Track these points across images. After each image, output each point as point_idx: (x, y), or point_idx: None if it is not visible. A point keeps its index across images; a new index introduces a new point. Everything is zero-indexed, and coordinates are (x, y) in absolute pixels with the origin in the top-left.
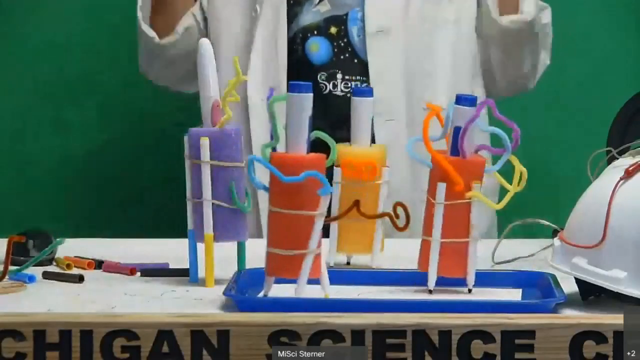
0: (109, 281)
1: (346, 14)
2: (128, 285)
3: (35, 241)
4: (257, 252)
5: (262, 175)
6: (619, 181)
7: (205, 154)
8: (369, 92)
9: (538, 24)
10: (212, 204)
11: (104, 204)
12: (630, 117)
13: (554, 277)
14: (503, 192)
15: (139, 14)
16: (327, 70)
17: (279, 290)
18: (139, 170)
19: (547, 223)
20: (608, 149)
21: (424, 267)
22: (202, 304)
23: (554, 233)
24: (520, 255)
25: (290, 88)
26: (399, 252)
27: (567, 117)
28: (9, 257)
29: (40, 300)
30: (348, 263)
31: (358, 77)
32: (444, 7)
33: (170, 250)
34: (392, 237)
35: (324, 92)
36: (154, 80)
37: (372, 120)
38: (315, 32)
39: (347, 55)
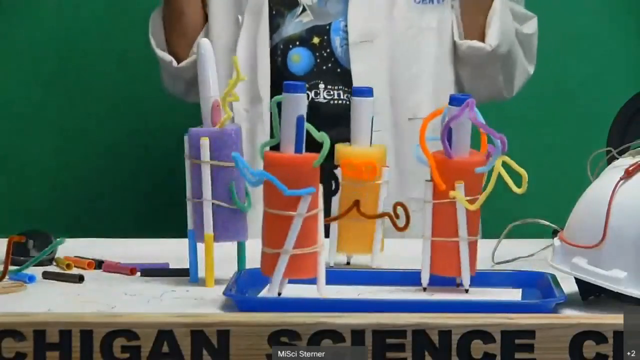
0: (109, 281)
1: (329, 24)
2: (128, 285)
3: (35, 241)
4: (257, 252)
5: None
6: (619, 181)
7: (205, 154)
8: (369, 92)
9: (503, 51)
10: (212, 204)
11: (104, 203)
12: (630, 117)
13: (554, 277)
14: (508, 193)
15: (152, 41)
16: (309, 81)
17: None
18: (140, 170)
19: (547, 223)
20: (608, 149)
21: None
22: (202, 304)
23: (554, 233)
24: (520, 255)
25: (285, 88)
26: (399, 252)
27: (567, 117)
28: (9, 257)
29: (40, 300)
30: (348, 263)
31: (341, 87)
32: (426, 15)
33: (170, 250)
34: (392, 237)
35: (310, 101)
36: (183, 98)
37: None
38: (298, 43)
39: (329, 65)
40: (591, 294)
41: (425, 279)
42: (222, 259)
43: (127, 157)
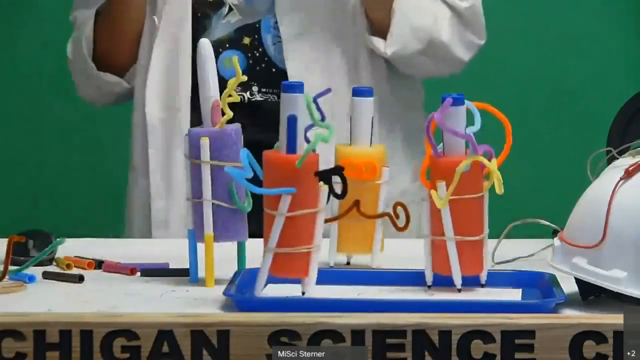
0: (109, 281)
1: (258, 22)
2: (128, 285)
3: (35, 241)
4: (257, 252)
5: None
6: (619, 181)
7: (205, 154)
8: (369, 92)
9: (412, 50)
10: (212, 204)
11: (104, 203)
12: (630, 117)
13: (554, 277)
14: (508, 193)
15: (89, 65)
16: (242, 84)
17: (279, 290)
18: None
19: (547, 223)
20: (608, 149)
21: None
22: (202, 304)
23: (554, 233)
24: (520, 255)
25: (283, 88)
26: (399, 252)
27: (567, 117)
28: (9, 257)
29: (40, 300)
30: (348, 263)
31: (275, 91)
32: None
33: (170, 250)
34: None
35: (244, 102)
36: (84, 98)
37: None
38: (227, 45)
39: (263, 65)
40: (591, 294)
41: (429, 277)
42: (222, 259)
43: (127, 156)
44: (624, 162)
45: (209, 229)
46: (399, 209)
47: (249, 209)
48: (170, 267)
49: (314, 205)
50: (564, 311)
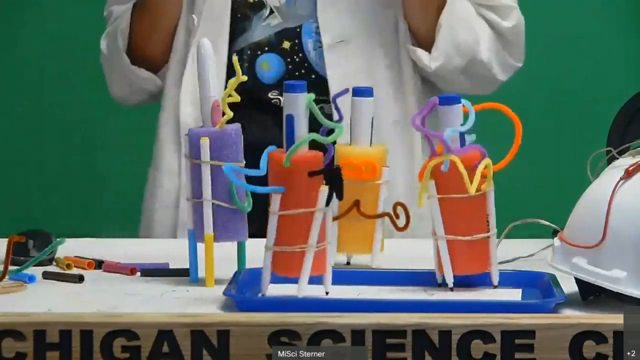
0: (109, 281)
1: (300, 27)
2: (128, 285)
3: (35, 241)
4: (257, 252)
5: None
6: (619, 181)
7: (205, 154)
8: (369, 92)
9: (455, 65)
10: (212, 204)
11: (104, 203)
12: (630, 117)
13: (554, 277)
14: (508, 193)
15: (124, 59)
16: (280, 89)
17: (279, 290)
18: (139, 170)
19: (547, 223)
20: (608, 149)
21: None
22: (202, 304)
23: (554, 233)
24: (520, 255)
25: (285, 88)
26: (399, 252)
27: (567, 117)
28: (9, 257)
29: (40, 300)
30: (348, 263)
31: (315, 97)
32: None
33: (170, 250)
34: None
35: (280, 106)
36: (114, 96)
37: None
38: (267, 49)
39: (302, 71)
40: (591, 294)
41: (450, 278)
42: (222, 259)
43: (129, 156)
44: (624, 162)
45: (209, 229)
46: (399, 209)
47: (249, 209)
48: (170, 267)
49: (307, 205)
50: (564, 311)
